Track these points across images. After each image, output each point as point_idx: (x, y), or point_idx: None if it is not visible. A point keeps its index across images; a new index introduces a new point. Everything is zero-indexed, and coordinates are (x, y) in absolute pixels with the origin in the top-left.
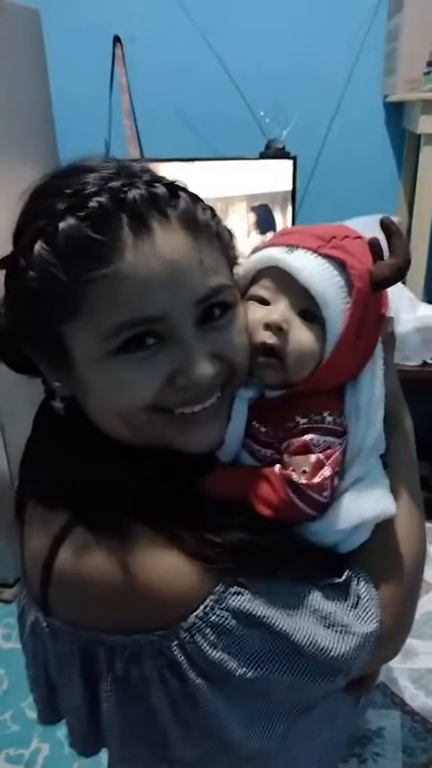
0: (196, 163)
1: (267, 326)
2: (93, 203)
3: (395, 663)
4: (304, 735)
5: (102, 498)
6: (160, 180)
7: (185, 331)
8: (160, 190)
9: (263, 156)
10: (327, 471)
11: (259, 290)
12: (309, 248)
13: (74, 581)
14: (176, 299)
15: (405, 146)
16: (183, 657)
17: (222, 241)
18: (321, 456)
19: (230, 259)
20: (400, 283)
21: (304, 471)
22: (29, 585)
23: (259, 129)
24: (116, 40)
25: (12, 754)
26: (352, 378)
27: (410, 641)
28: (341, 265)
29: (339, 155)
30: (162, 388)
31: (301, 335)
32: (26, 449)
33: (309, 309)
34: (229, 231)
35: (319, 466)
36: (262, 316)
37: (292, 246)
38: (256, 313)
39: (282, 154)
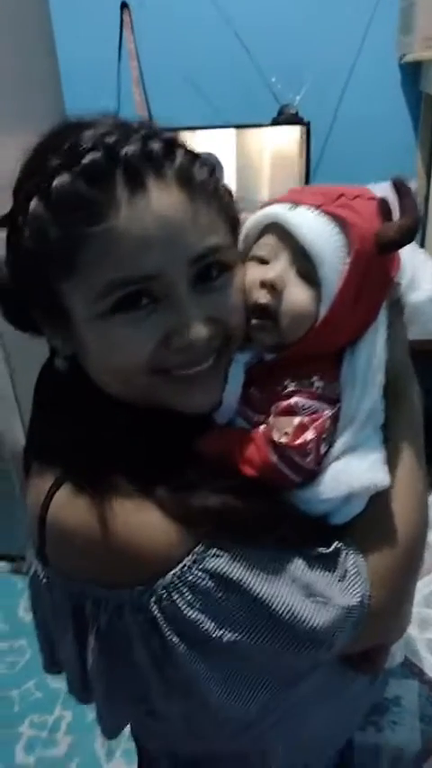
0: (208, 130)
1: (262, 285)
2: (87, 159)
3: (413, 633)
4: (300, 708)
5: (90, 453)
6: (157, 135)
7: (180, 291)
8: (156, 145)
9: (275, 122)
10: (309, 435)
11: (259, 248)
12: (312, 205)
13: (60, 533)
14: (171, 257)
15: (422, 108)
16: (160, 615)
17: (221, 200)
18: (306, 419)
19: (230, 219)
20: (422, 251)
21: (286, 433)
22: (30, 538)
23: (271, 94)
24: (123, 5)
25: (36, 721)
26: (350, 343)
27: (428, 612)
28: (343, 224)
29: (354, 119)
30: (157, 349)
31: (297, 295)
32: (32, 408)
33: (306, 268)
34: (229, 190)
35: (301, 429)
36: (259, 275)
37: (295, 203)
38: (253, 272)
39: (295, 119)
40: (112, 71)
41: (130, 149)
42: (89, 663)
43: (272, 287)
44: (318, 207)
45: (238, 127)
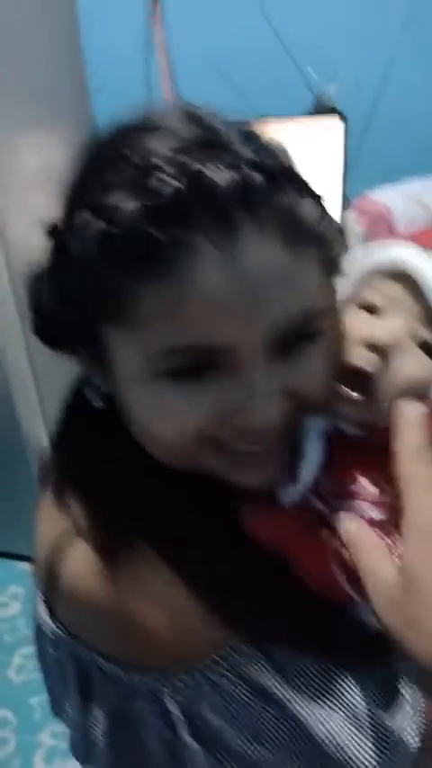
0: None
1: (368, 345)
2: (164, 188)
3: None
4: None
5: (118, 508)
6: (259, 159)
7: (253, 366)
8: (256, 177)
9: (310, 114)
10: None
11: (374, 294)
12: None
13: (73, 595)
14: (251, 328)
15: None
16: (177, 710)
17: (326, 246)
18: (388, 542)
19: (330, 261)
20: None
21: None
22: (38, 576)
23: (306, 85)
24: None
25: (56, 731)
26: None
27: None
28: None
29: (394, 111)
30: (211, 422)
31: (412, 369)
32: (55, 434)
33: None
34: (337, 228)
35: None
36: (366, 330)
37: None
38: (359, 325)
39: (331, 111)
40: (140, 62)
41: (221, 180)
42: (94, 733)
43: (380, 350)
44: None
45: (269, 118)
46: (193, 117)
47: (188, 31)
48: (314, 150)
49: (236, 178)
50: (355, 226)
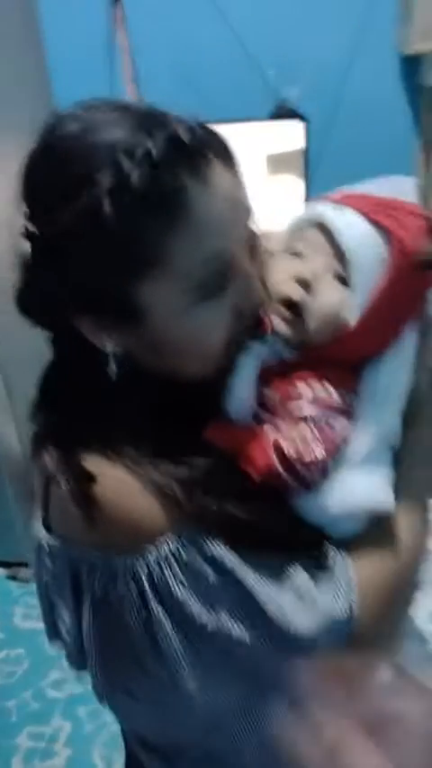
0: None
1: (296, 280)
2: (154, 151)
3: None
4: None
5: (101, 426)
6: (185, 120)
7: (246, 265)
8: (196, 127)
9: (272, 117)
10: (318, 449)
11: (298, 243)
12: (359, 210)
13: (61, 497)
14: (240, 236)
15: (422, 101)
16: (150, 588)
17: (238, 165)
18: (317, 431)
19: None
20: None
21: (295, 444)
22: (38, 505)
23: (268, 89)
24: (115, 0)
25: (33, 732)
26: (375, 356)
27: None
28: (387, 234)
29: (353, 113)
30: (232, 318)
31: (330, 296)
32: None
33: (343, 272)
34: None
35: (312, 441)
36: (293, 268)
37: (343, 205)
38: (287, 265)
39: (293, 114)
40: (104, 68)
41: (183, 133)
42: (84, 629)
43: (305, 283)
44: (364, 213)
45: (233, 122)
46: (117, 106)
47: (151, 36)
48: (276, 153)
49: (190, 130)
50: None
